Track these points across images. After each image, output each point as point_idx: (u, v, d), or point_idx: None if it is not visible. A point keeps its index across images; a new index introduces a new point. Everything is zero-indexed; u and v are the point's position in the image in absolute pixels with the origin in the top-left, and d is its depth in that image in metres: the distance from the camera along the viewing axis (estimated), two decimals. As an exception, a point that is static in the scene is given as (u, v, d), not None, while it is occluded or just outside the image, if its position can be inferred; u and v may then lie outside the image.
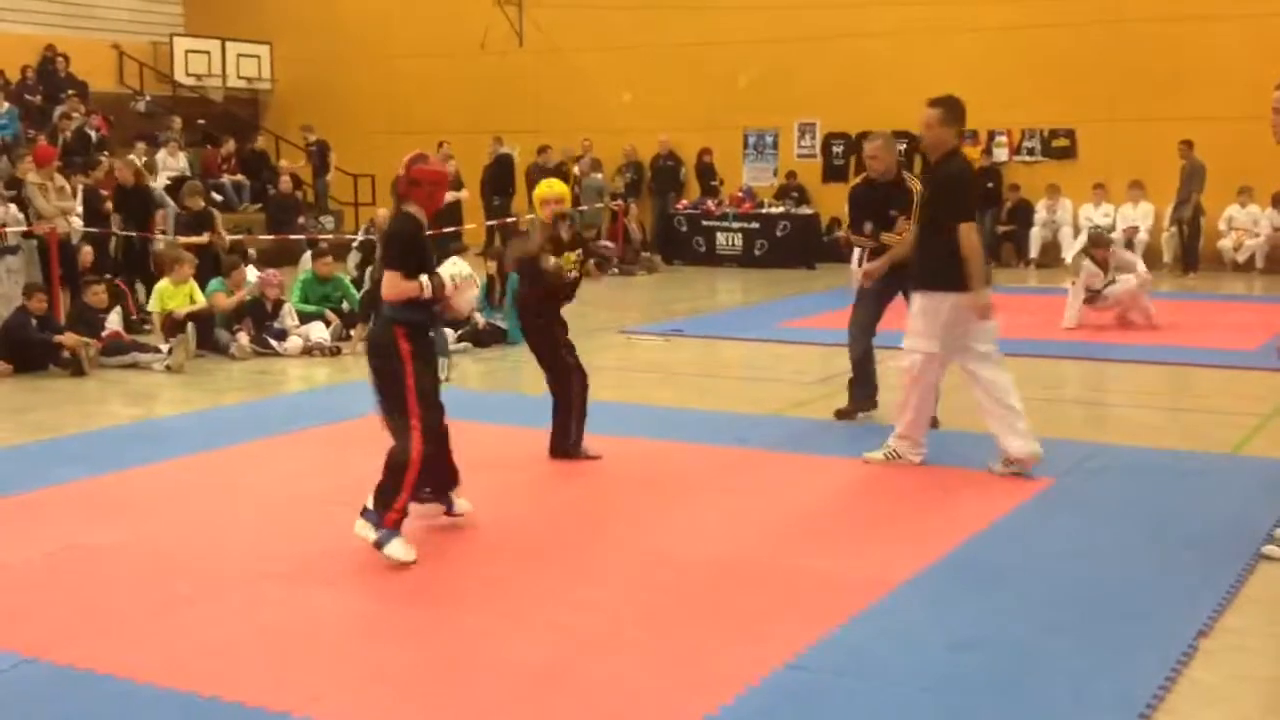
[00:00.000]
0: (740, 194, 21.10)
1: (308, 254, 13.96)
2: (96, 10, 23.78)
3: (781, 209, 20.34)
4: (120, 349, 10.94)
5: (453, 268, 5.83)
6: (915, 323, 6.92)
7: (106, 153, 18.12)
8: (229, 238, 14.48)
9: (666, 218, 21.26)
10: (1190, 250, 18.15)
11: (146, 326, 12.26)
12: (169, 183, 18.02)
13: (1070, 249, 18.91)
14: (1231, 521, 6.04)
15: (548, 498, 6.70)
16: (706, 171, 21.54)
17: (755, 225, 20.34)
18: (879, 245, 8.08)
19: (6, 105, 18.97)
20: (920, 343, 6.87)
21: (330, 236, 17.60)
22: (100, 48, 22.73)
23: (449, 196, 19.02)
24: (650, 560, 5.57)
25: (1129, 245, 18.74)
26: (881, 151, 8.19)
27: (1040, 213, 19.35)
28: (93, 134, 18.90)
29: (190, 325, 11.22)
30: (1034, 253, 19.33)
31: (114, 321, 11.39)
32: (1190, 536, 5.85)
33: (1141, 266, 12.91)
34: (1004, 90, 18.38)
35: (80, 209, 13.59)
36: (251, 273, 12.49)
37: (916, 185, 8.26)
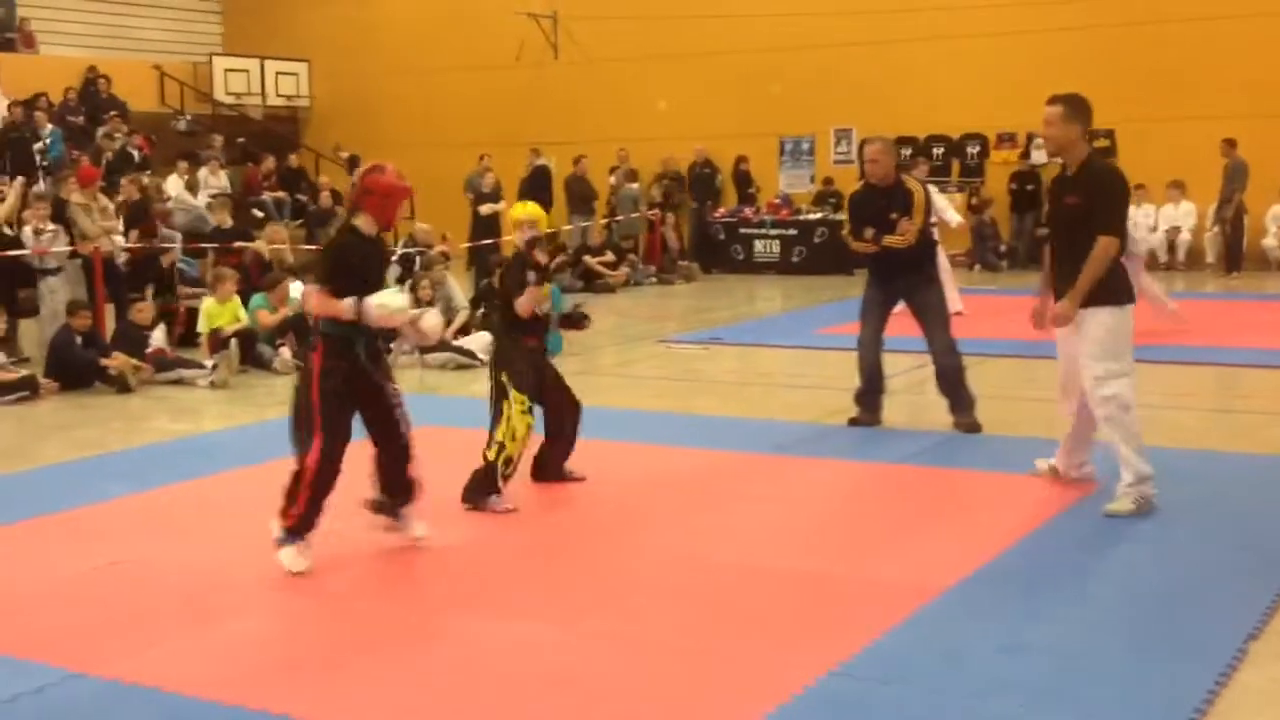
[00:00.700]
0: (777, 201, 21.08)
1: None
2: (137, 32, 24.09)
3: (819, 215, 20.29)
4: (165, 365, 11.05)
5: (386, 298, 5.54)
6: (1103, 345, 6.09)
7: (149, 172, 18.33)
8: (270, 248, 14.58)
9: (704, 226, 21.26)
10: (1234, 250, 17.97)
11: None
12: (210, 200, 18.20)
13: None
14: (1280, 523, 5.98)
15: (588, 506, 6.71)
16: (743, 179, 21.53)
17: (793, 232, 20.31)
18: (881, 250, 8.08)
19: (50, 126, 19.21)
20: (1122, 364, 6.14)
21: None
22: (141, 68, 23.01)
23: (487, 209, 19.29)
24: (692, 568, 5.57)
25: (1171, 246, 18.65)
26: (882, 155, 8.20)
27: (1081, 214, 19.18)
28: (135, 154, 19.11)
29: (234, 341, 11.33)
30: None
31: (158, 339, 11.51)
32: (1238, 538, 5.79)
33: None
34: (1041, 93, 17.99)
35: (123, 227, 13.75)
36: (296, 287, 12.58)
37: (917, 188, 8.27)
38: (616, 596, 5.23)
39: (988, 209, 19.70)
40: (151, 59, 23.55)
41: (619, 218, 20.55)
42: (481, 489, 6.49)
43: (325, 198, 19.83)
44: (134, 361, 10.72)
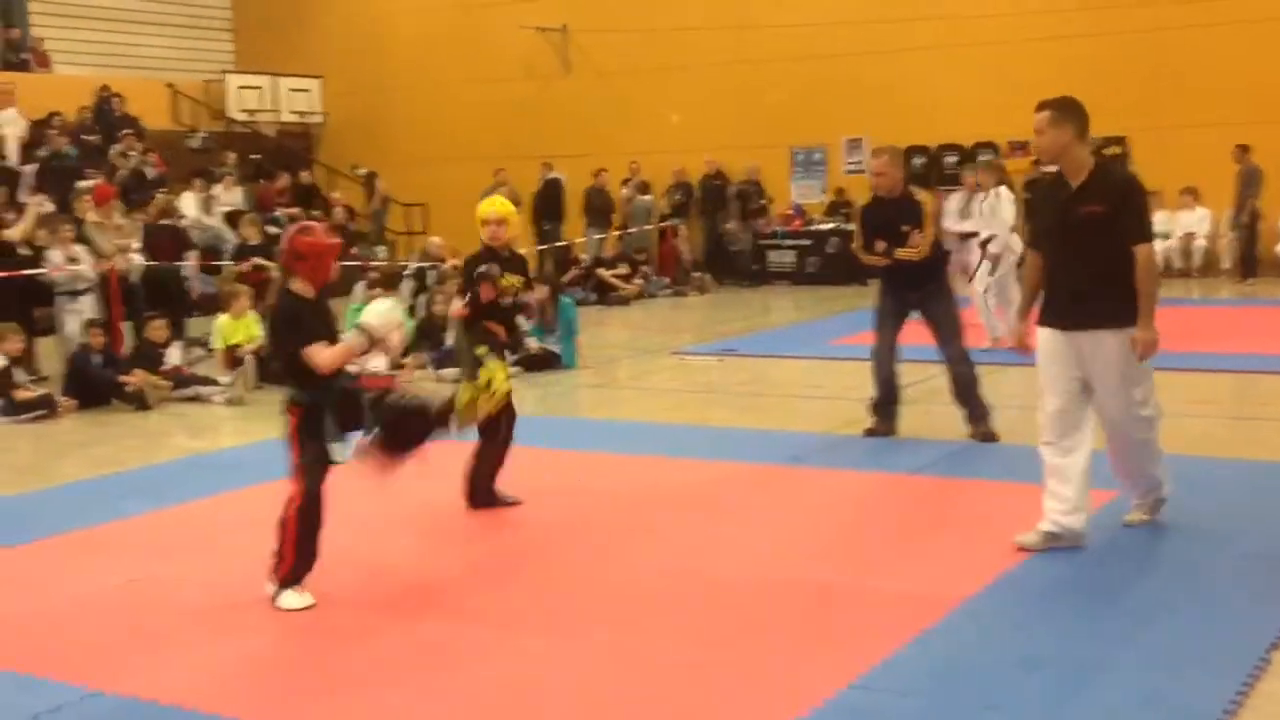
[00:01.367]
0: (790, 212, 21.08)
1: (360, 284, 14.10)
2: (150, 50, 24.19)
3: (831, 225, 20.28)
4: (181, 382, 11.09)
5: (376, 308, 5.52)
6: (1133, 365, 5.63)
7: (164, 189, 18.41)
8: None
9: (716, 237, 21.28)
10: (1249, 255, 17.91)
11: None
12: (224, 215, 18.31)
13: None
14: (1300, 530, 5.95)
15: (601, 520, 6.70)
16: (756, 189, 21.53)
17: (806, 242, 20.31)
18: (894, 262, 8.09)
19: (65, 146, 19.31)
20: (1150, 380, 5.78)
21: (382, 262, 17.75)
22: (155, 87, 23.11)
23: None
24: (706, 581, 5.56)
25: (1186, 253, 18.60)
26: (888, 167, 8.20)
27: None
28: (149, 171, 19.20)
29: (250, 357, 11.37)
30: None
31: (174, 356, 11.56)
32: (1258, 546, 5.76)
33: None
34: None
35: (138, 245, 13.80)
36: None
37: (927, 199, 8.27)
38: (629, 610, 5.22)
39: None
40: (165, 77, 23.65)
41: (632, 230, 20.57)
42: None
43: (339, 213, 19.90)
44: (152, 379, 10.77)
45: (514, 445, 6.83)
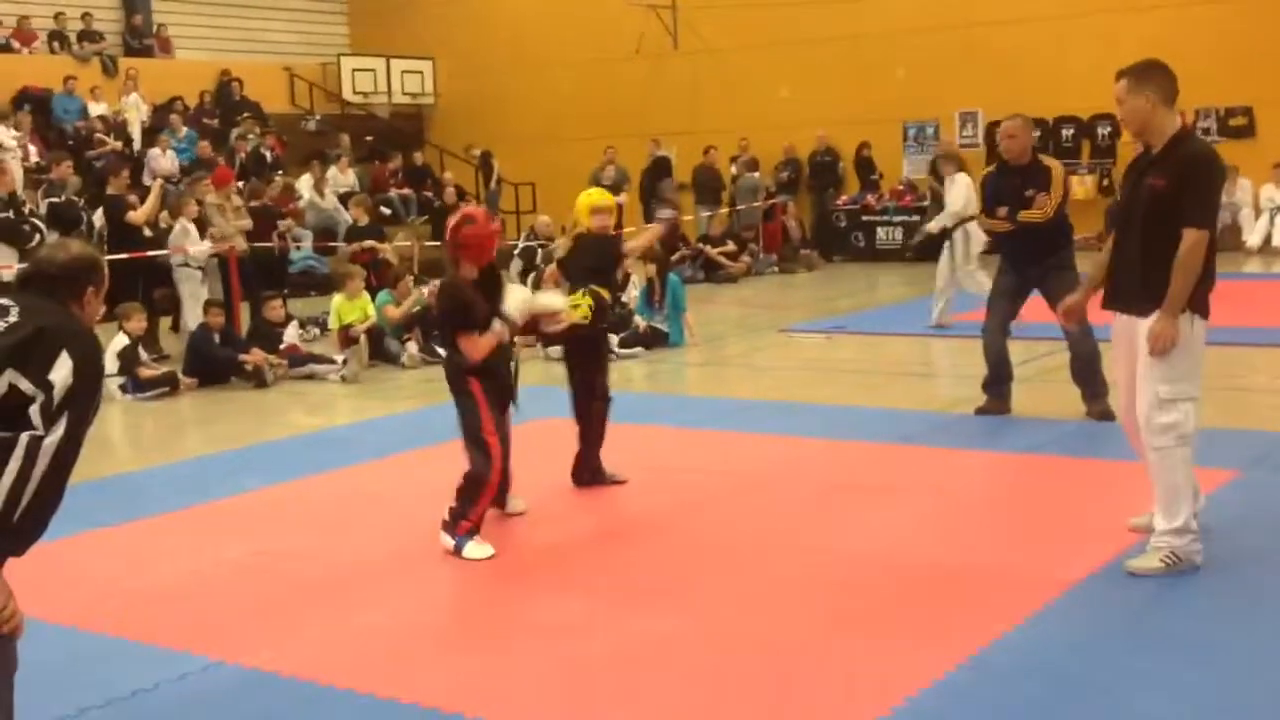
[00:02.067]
0: (900, 187, 20.81)
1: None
2: (268, 35, 24.72)
3: (944, 201, 19.96)
4: (298, 361, 11.34)
5: (515, 296, 6.01)
6: (1171, 361, 5.04)
7: (280, 172, 18.82)
8: (395, 246, 14.89)
9: (825, 214, 21.10)
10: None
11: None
12: (339, 198, 18.65)
13: (1253, 231, 18.20)
14: None
15: (712, 499, 6.70)
16: (865, 165, 21.30)
17: (916, 219, 20.03)
18: (1017, 228, 7.87)
19: (185, 129, 19.83)
20: (1190, 387, 5.09)
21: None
22: (273, 70, 23.61)
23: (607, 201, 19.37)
24: (817, 560, 5.54)
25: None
26: (1020, 130, 7.98)
27: (1218, 194, 18.62)
28: (267, 154, 19.63)
29: (363, 336, 11.59)
30: (1212, 236, 18.59)
31: (291, 335, 11.82)
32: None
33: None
34: (1175, 69, 17.69)
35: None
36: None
37: (1055, 165, 8.03)
38: (742, 589, 5.22)
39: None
40: (282, 61, 24.15)
41: (740, 207, 20.50)
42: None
43: (450, 194, 20.14)
44: (270, 357, 11.03)
45: (622, 423, 6.85)
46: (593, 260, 6.82)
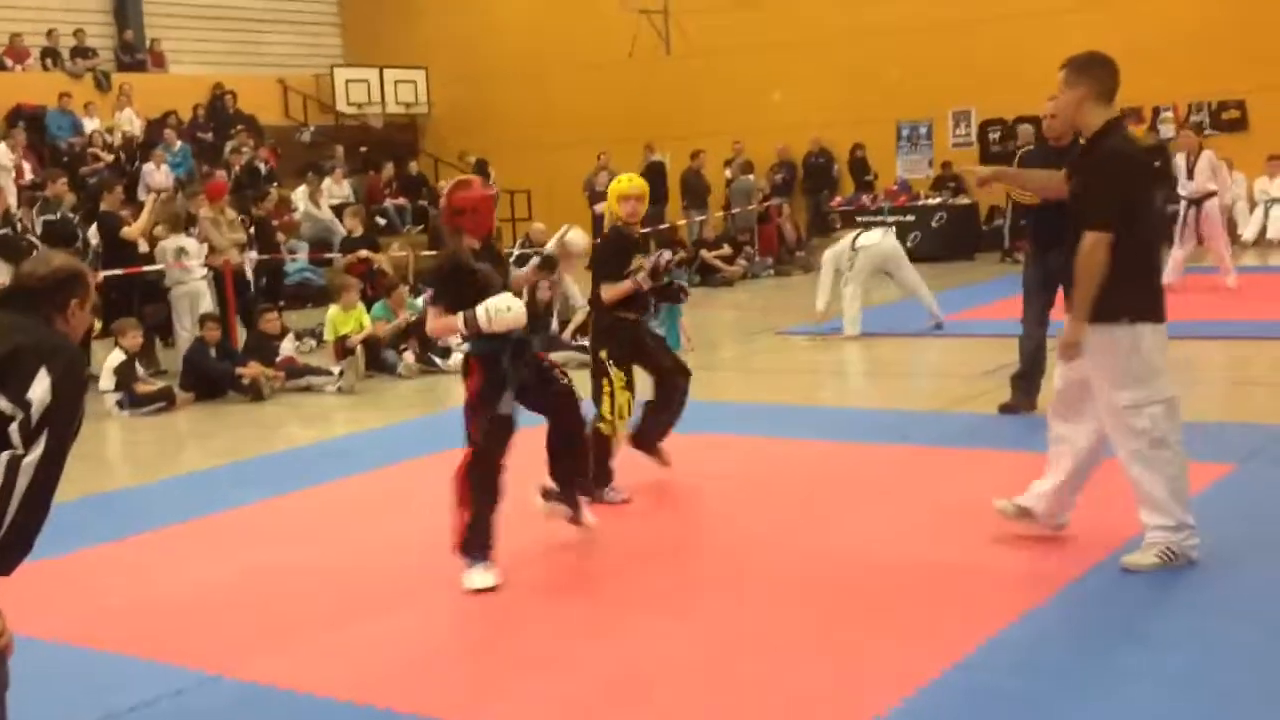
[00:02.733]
0: (895, 187, 20.83)
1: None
2: (261, 48, 24.75)
3: (937, 200, 19.99)
4: (294, 373, 11.34)
5: (493, 302, 5.42)
6: (1123, 368, 4.97)
7: (275, 184, 18.83)
8: (390, 255, 14.90)
9: (821, 215, 21.11)
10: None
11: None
12: (335, 208, 18.68)
13: (1247, 224, 18.20)
14: None
15: (709, 499, 6.72)
16: (860, 166, 21.32)
17: (910, 218, 20.03)
18: (1045, 202, 7.78)
19: (180, 143, 19.85)
20: (1152, 390, 4.97)
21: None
22: (266, 83, 23.63)
23: (601, 208, 19.41)
24: (814, 560, 5.54)
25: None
26: (1063, 109, 7.92)
27: (1212, 188, 18.62)
28: (262, 166, 19.64)
29: (359, 347, 11.59)
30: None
31: (287, 347, 11.82)
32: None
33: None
34: (1167, 63, 17.76)
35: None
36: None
37: None
38: (737, 589, 5.23)
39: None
40: (276, 73, 24.17)
41: (735, 210, 20.51)
42: (598, 478, 6.37)
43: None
44: (266, 370, 11.03)
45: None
46: (606, 256, 6.73)
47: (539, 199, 21.96)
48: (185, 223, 12.99)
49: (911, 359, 11.27)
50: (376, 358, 11.72)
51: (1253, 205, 18.35)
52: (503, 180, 22.46)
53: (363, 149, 23.15)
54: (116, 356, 10.60)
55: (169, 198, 15.41)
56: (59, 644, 4.92)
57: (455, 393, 10.99)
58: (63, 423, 3.05)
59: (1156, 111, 18.62)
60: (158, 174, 18.42)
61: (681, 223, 20.16)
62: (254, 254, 13.66)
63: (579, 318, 12.70)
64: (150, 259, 12.94)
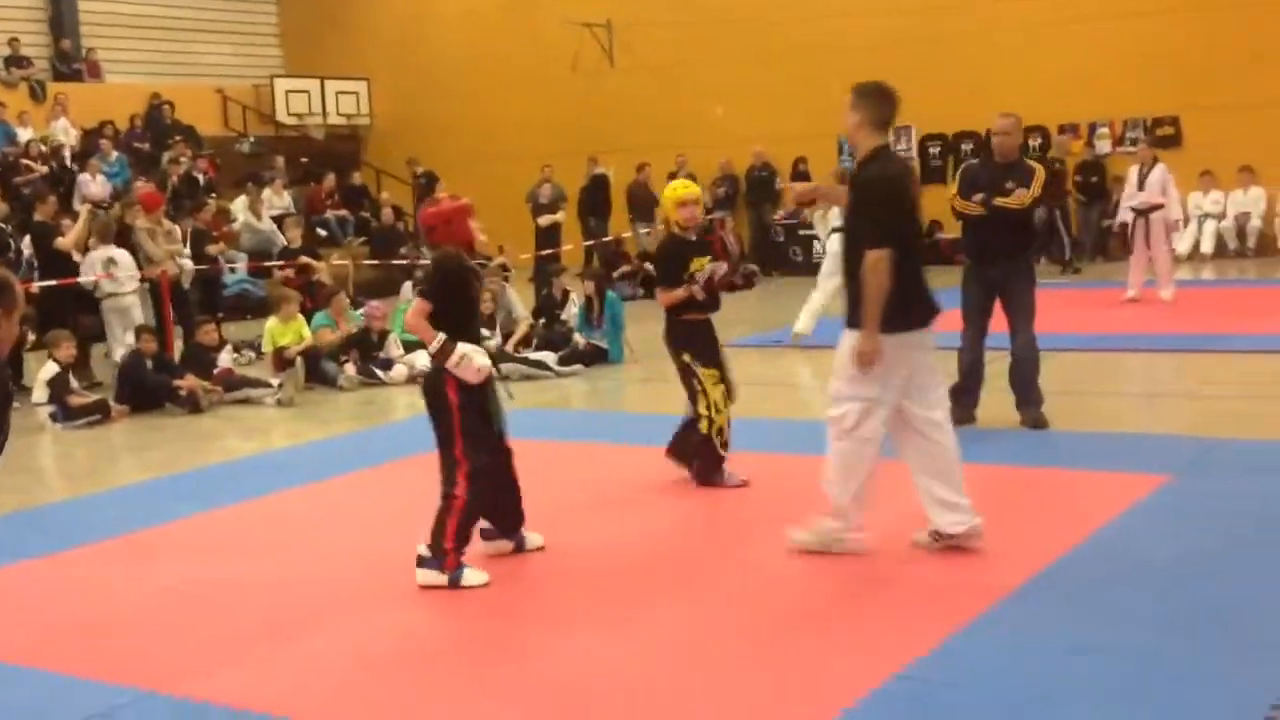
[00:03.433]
0: (838, 202, 20.95)
1: (408, 284, 14.19)
2: (200, 57, 24.48)
3: (880, 214, 20.11)
4: (232, 385, 11.21)
5: (467, 351, 5.51)
6: (845, 365, 5.53)
7: (214, 195, 18.64)
8: (331, 265, 14.80)
9: (763, 229, 21.22)
10: (1307, 235, 17.62)
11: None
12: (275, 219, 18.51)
13: (1181, 239, 18.48)
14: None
15: (652, 513, 6.70)
16: (802, 180, 21.43)
17: (852, 232, 20.13)
18: (990, 211, 7.87)
19: (116, 154, 19.60)
20: (856, 390, 5.49)
21: (428, 262, 17.89)
22: (205, 93, 23.40)
23: (545, 220, 19.41)
24: (753, 572, 5.54)
25: (1241, 233, 18.30)
26: (1015, 129, 8.13)
27: (1147, 204, 18.91)
28: (200, 177, 19.44)
29: (299, 359, 11.48)
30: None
31: (225, 359, 11.69)
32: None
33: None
34: (1102, 81, 18.04)
35: (188, 250, 13.99)
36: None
37: (1039, 168, 8.03)
38: (678, 603, 5.21)
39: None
40: (214, 83, 23.93)
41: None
42: (710, 467, 6.86)
43: (387, 214, 20.05)
44: (204, 383, 10.89)
45: (560, 440, 6.84)
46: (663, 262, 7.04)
47: (481, 211, 21.43)
48: (116, 234, 12.79)
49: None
50: (317, 369, 11.61)
51: (1186, 220, 18.64)
52: (445, 192, 22.39)
53: (304, 160, 22.98)
54: (50, 369, 10.43)
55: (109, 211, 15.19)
56: (-13, 662, 4.82)
57: (396, 404, 10.98)
58: None
59: (1093, 128, 18.89)
60: (94, 184, 18.17)
61: (627, 235, 20.16)
62: (190, 264, 13.50)
63: (521, 330, 12.68)
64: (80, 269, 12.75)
